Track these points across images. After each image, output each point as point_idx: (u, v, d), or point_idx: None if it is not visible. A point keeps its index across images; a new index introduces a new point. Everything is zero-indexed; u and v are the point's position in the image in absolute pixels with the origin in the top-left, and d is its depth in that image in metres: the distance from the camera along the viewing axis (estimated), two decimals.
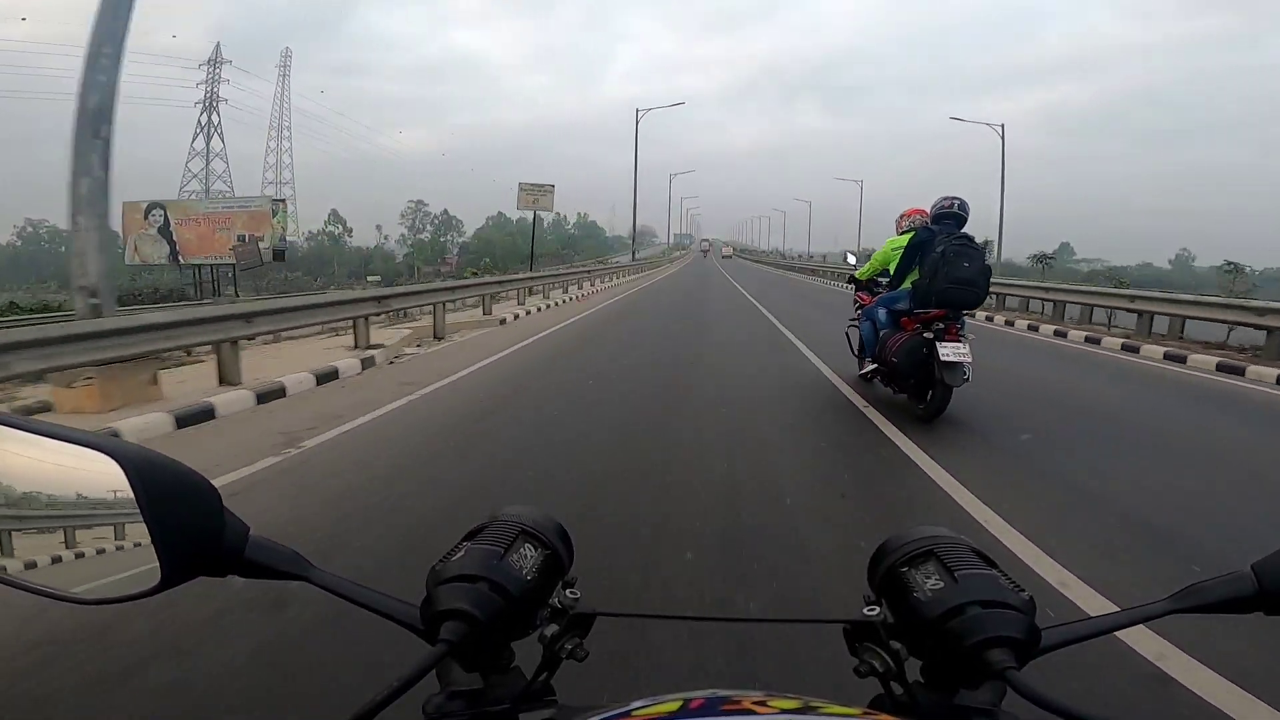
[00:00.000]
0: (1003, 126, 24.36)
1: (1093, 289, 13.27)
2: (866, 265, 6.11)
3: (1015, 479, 3.71)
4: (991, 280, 4.86)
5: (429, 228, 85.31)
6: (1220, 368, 7.74)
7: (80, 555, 0.49)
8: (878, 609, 0.52)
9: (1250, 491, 3.69)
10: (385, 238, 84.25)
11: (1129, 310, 10.66)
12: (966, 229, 4.94)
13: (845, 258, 11.99)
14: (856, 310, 6.25)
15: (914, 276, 4.96)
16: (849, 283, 6.74)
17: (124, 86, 5.54)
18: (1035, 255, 17.65)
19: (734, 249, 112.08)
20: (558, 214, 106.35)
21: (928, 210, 5.22)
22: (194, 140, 63.64)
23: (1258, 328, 8.44)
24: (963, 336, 4.66)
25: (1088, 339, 10.13)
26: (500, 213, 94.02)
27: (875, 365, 5.34)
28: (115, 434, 3.90)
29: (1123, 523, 3.08)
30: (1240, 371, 7.48)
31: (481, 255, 70.08)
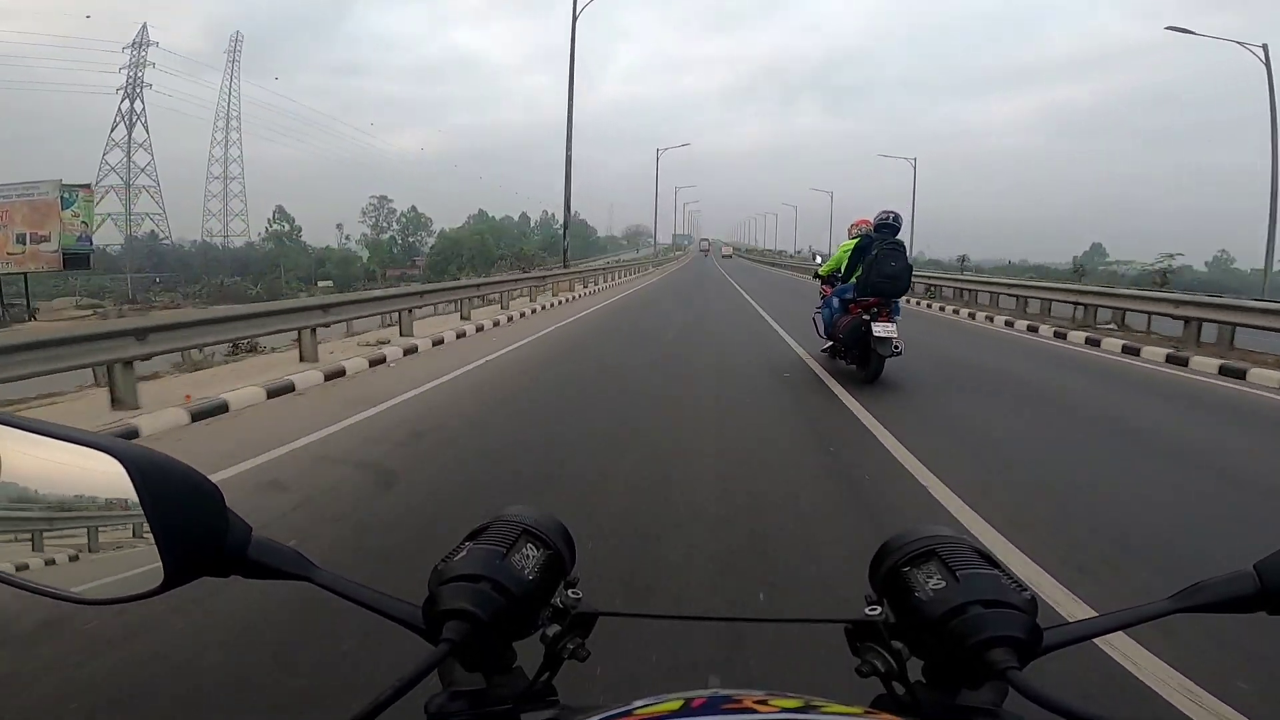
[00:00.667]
0: (1265, 48, 17.27)
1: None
2: (826, 264, 7.54)
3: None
4: (914, 274, 6.98)
5: (394, 226, 78.10)
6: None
7: (83, 555, 0.48)
8: (879, 609, 0.53)
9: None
10: (347, 238, 77.29)
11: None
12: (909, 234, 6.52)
13: (814, 257, 13.96)
14: (821, 300, 7.43)
15: (858, 273, 6.27)
16: (815, 277, 8.10)
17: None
18: (1160, 266, 14.98)
19: (734, 249, 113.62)
20: (546, 212, 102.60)
21: (872, 220, 6.56)
22: (113, 130, 57.74)
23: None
24: (894, 319, 6.09)
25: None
26: (481, 210, 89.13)
27: (831, 343, 6.83)
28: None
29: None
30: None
31: (449, 257, 67.23)
